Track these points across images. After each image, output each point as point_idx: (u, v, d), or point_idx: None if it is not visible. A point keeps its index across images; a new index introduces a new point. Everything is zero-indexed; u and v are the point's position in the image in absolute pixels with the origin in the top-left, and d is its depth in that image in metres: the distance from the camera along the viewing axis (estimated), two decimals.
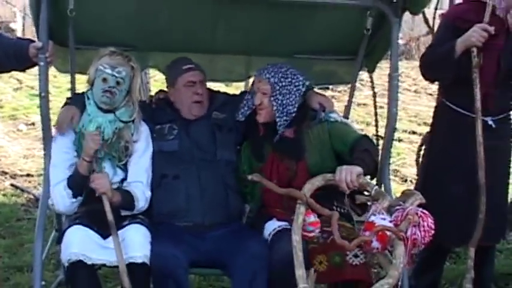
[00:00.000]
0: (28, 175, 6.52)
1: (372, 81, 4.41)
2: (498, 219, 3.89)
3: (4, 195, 5.97)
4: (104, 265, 3.42)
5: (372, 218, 3.04)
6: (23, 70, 3.83)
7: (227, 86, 10.39)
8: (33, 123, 8.65)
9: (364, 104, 11.18)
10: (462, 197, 3.81)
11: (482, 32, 3.57)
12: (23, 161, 6.95)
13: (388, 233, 2.97)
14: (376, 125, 4.24)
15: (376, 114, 4.32)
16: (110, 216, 3.32)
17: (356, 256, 3.26)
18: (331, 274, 3.27)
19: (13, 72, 10.91)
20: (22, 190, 6.12)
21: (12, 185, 6.23)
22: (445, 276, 4.54)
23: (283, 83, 3.58)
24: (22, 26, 21.26)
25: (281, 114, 3.56)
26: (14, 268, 4.52)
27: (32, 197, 5.97)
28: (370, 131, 9.27)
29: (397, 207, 3.10)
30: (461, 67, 3.65)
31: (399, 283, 3.24)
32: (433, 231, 3.07)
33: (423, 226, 3.02)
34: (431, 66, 3.84)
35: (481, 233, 3.66)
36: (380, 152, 3.82)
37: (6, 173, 6.46)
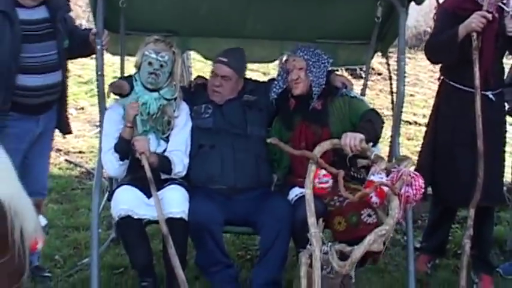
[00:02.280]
0: (80, 152, 7.13)
1: (388, 66, 4.93)
2: (496, 183, 4.33)
3: (60, 168, 6.58)
4: (148, 220, 3.94)
5: (372, 177, 3.58)
6: (88, 55, 4.42)
7: (264, 74, 10.96)
8: (82, 108, 9.23)
9: (395, 92, 11.55)
10: (466, 163, 4.25)
11: (481, 18, 4.04)
12: (75, 140, 7.55)
13: (385, 189, 3.50)
14: (393, 108, 4.64)
15: (392, 97, 4.77)
16: (148, 173, 3.83)
17: (369, 216, 3.75)
18: (349, 232, 3.76)
19: None
20: (75, 164, 6.73)
21: (66, 160, 6.86)
22: (454, 241, 5.05)
23: (314, 59, 4.17)
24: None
25: (316, 84, 4.14)
26: (72, 227, 5.14)
27: (84, 170, 6.58)
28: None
29: (393, 169, 3.63)
30: (463, 50, 4.12)
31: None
32: (423, 190, 3.58)
33: (415, 185, 3.54)
34: (436, 51, 4.32)
35: (480, 196, 4.09)
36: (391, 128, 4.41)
37: (60, 150, 7.06)
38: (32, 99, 4.00)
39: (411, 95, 10.49)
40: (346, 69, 13.78)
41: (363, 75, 11.97)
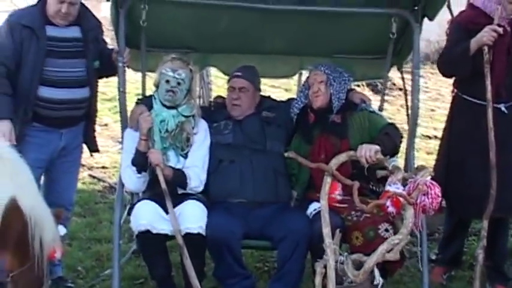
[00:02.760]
0: (103, 167, 7.28)
1: (403, 80, 5.03)
2: (509, 194, 4.36)
3: (83, 183, 6.72)
4: (166, 235, 4.01)
5: (388, 187, 3.66)
6: (114, 74, 4.54)
7: (286, 91, 11.10)
8: (105, 124, 9.40)
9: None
10: (479, 175, 4.32)
11: (492, 32, 4.14)
12: (98, 155, 7.60)
13: (401, 198, 3.58)
14: (408, 122, 4.69)
15: (407, 111, 4.83)
16: (163, 185, 3.94)
17: (387, 230, 3.83)
18: (366, 247, 3.80)
19: None
20: (98, 179, 6.89)
21: (90, 175, 7.01)
22: (469, 253, 5.07)
23: (335, 74, 4.30)
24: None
25: (335, 98, 4.25)
26: (94, 240, 5.27)
27: (107, 185, 6.73)
28: (418, 131, 9.80)
29: (410, 179, 3.71)
30: (475, 63, 4.21)
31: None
32: (439, 199, 3.66)
33: (431, 194, 3.62)
34: (450, 65, 4.41)
35: (493, 207, 4.17)
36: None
37: (84, 165, 7.17)
38: (54, 112, 4.19)
39: (432, 110, 10.54)
40: (368, 85, 13.91)
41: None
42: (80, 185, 6.61)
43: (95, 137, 4.57)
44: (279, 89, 10.90)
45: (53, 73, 4.15)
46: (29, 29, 4.09)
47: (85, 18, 4.30)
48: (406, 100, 4.93)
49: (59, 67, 4.16)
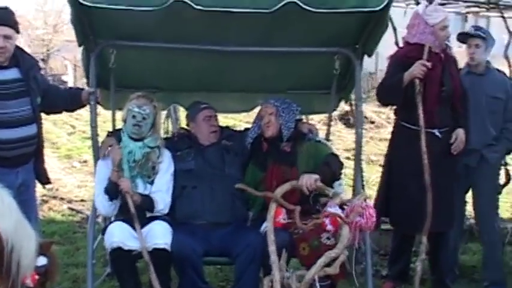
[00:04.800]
0: (82, 200, 7.73)
1: (352, 112, 5.52)
2: (445, 210, 4.82)
3: (63, 215, 7.16)
4: (136, 255, 4.40)
5: (328, 209, 4.14)
6: (73, 110, 4.95)
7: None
8: (85, 161, 9.86)
9: (386, 139, 12.11)
10: (417, 194, 4.71)
11: (421, 66, 4.63)
12: (77, 190, 8.17)
13: (338, 218, 4.05)
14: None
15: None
16: (132, 209, 4.38)
17: (328, 238, 4.24)
18: (313, 255, 4.18)
19: (68, 119, 12.37)
20: (77, 211, 7.31)
21: (69, 207, 7.43)
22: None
23: (284, 106, 4.75)
24: (74, 77, 22.73)
25: (285, 127, 4.70)
26: (72, 265, 5.65)
27: (84, 216, 7.10)
28: None
29: (348, 203, 4.18)
30: (407, 94, 4.69)
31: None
32: (374, 218, 4.10)
33: (365, 214, 4.08)
34: (385, 94, 4.89)
35: (432, 223, 4.60)
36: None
37: (63, 199, 7.66)
38: (10, 152, 4.41)
39: None
40: (340, 119, 14.41)
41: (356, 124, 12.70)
42: (59, 217, 7.07)
43: (45, 169, 4.79)
44: (240, 122, 11.35)
45: (4, 115, 4.35)
46: None
47: (22, 60, 4.55)
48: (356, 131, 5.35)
49: (8, 108, 4.39)
